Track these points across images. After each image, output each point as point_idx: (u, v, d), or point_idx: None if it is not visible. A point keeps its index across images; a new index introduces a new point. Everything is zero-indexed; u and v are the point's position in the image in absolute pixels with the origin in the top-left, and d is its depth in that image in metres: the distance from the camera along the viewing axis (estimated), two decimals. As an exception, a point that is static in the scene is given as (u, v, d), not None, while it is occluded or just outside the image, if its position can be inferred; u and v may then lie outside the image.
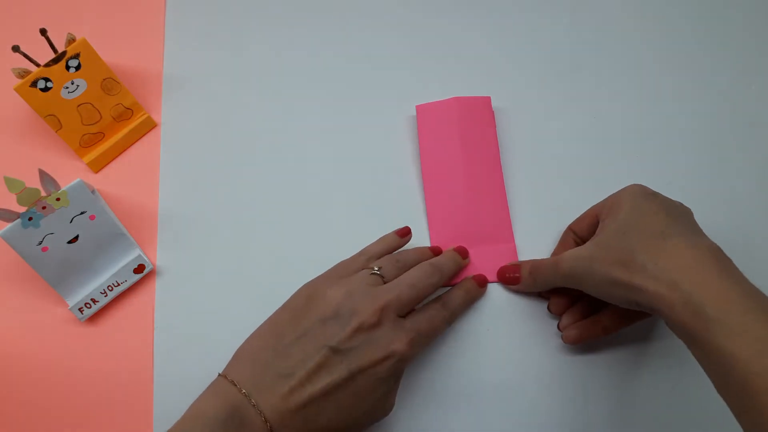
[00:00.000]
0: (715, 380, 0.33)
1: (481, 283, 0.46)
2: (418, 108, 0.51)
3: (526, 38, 0.55)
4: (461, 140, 0.49)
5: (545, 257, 0.46)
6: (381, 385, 0.37)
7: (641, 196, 0.40)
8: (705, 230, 0.39)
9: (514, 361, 0.46)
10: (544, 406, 0.45)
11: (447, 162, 0.49)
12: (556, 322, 0.46)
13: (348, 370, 0.36)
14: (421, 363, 0.45)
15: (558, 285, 0.42)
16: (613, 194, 0.43)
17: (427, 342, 0.41)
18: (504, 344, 0.46)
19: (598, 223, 0.43)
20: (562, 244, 0.47)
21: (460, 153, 0.49)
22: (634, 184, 0.42)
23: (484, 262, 0.47)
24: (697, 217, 0.40)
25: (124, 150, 0.51)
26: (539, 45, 0.55)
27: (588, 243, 0.41)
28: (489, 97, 0.51)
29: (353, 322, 0.37)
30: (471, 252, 0.47)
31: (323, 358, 0.36)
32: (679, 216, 0.39)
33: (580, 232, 0.45)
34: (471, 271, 0.47)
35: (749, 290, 0.33)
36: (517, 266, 0.46)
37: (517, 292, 0.47)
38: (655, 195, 0.40)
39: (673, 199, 0.41)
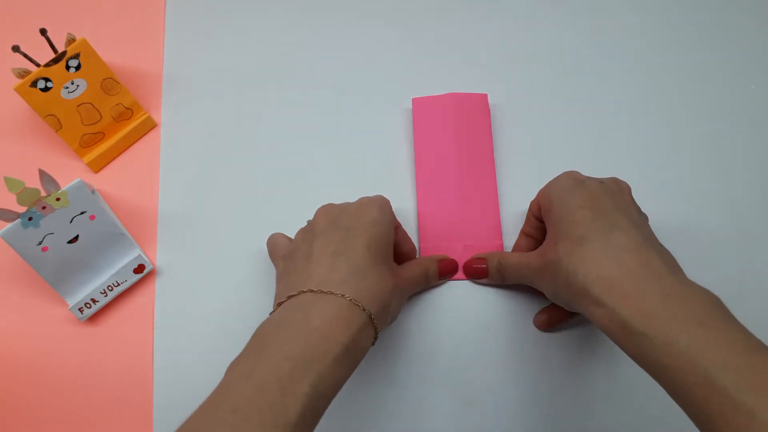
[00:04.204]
0: (662, 387, 0.32)
1: (444, 271, 0.46)
2: (414, 101, 0.51)
3: (526, 36, 0.55)
4: (456, 136, 0.49)
5: (515, 252, 0.46)
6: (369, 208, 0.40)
7: (568, 189, 0.40)
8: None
9: (514, 361, 0.46)
10: (544, 405, 0.45)
11: (440, 156, 0.49)
12: (556, 322, 0.46)
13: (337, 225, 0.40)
14: (420, 363, 0.46)
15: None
16: (547, 186, 0.42)
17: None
18: (504, 344, 0.46)
19: (541, 220, 0.43)
20: (526, 222, 0.47)
21: (453, 148, 0.49)
22: (563, 174, 0.41)
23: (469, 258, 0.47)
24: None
25: (124, 150, 0.51)
26: (539, 43, 0.55)
27: (538, 250, 0.41)
28: (486, 95, 0.51)
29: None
30: (458, 248, 0.47)
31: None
32: (605, 207, 0.38)
33: (536, 213, 0.45)
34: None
35: (669, 290, 0.33)
36: (483, 258, 0.46)
37: (488, 286, 0.47)
38: (581, 184, 0.40)
39: (606, 178, 0.41)
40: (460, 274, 0.47)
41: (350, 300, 0.35)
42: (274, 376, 0.31)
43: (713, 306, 0.32)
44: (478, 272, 0.46)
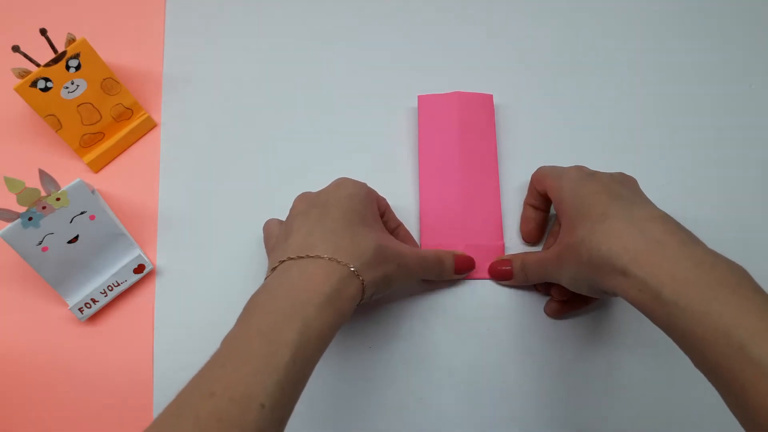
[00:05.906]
0: (690, 358, 0.32)
1: (460, 267, 0.46)
2: (420, 98, 0.51)
3: (527, 36, 0.55)
4: (460, 135, 0.49)
5: (536, 251, 0.46)
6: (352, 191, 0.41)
7: (579, 180, 0.40)
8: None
9: (514, 361, 0.46)
10: (544, 405, 0.45)
11: (444, 155, 0.49)
12: (555, 322, 0.46)
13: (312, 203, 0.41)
14: (421, 363, 0.46)
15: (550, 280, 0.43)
16: (556, 179, 0.42)
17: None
18: (504, 344, 0.46)
19: (546, 195, 0.44)
20: (529, 194, 0.47)
21: (457, 147, 0.49)
22: (572, 168, 0.42)
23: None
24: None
25: (124, 150, 0.51)
26: (540, 43, 0.55)
27: (555, 245, 0.41)
28: (491, 95, 0.51)
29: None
30: (459, 247, 0.47)
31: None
32: (620, 192, 0.38)
33: (539, 187, 0.45)
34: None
35: (699, 258, 0.33)
36: (508, 260, 0.46)
37: (511, 287, 0.47)
38: (592, 175, 0.41)
39: (613, 172, 0.41)
40: (479, 273, 0.47)
41: (327, 258, 0.36)
42: (259, 330, 0.32)
43: (741, 275, 0.32)
44: (504, 274, 0.46)
